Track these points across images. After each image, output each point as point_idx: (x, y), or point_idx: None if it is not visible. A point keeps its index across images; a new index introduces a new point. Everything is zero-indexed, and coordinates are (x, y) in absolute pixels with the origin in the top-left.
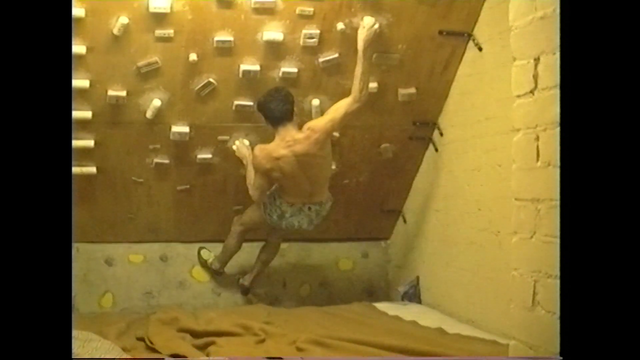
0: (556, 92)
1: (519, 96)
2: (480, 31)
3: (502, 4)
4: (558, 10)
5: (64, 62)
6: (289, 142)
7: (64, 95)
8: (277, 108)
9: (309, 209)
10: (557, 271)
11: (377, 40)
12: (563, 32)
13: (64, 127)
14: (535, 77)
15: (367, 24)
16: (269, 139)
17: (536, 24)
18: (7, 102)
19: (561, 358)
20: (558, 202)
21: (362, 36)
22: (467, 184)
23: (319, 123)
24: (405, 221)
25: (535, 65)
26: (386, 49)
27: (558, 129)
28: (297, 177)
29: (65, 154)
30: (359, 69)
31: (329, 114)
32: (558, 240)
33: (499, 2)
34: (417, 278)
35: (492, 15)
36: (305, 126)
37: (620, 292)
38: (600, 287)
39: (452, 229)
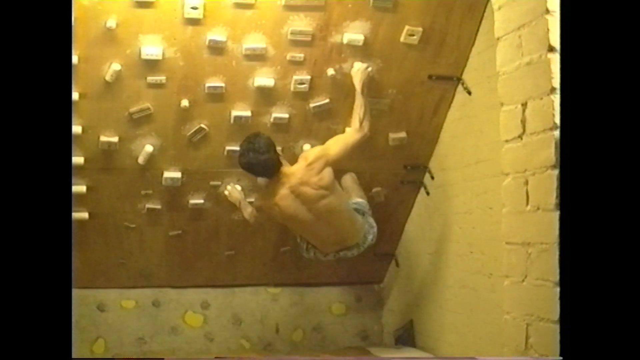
0: (544, 137)
1: (507, 141)
2: (469, 75)
3: (490, 49)
4: (545, 56)
5: (64, 110)
6: (282, 179)
7: (65, 144)
8: (257, 165)
9: (345, 254)
10: (549, 314)
11: (367, 85)
12: (563, 73)
13: (64, 174)
14: (523, 122)
15: (360, 67)
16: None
17: (523, 70)
18: (9, 150)
19: (561, 358)
20: (549, 246)
21: (357, 78)
22: (459, 227)
23: (312, 150)
24: (398, 265)
25: (523, 111)
26: (376, 94)
27: (548, 172)
28: (307, 220)
29: (65, 202)
30: (357, 104)
31: (325, 144)
32: (550, 284)
33: (487, 47)
34: (411, 321)
35: (481, 60)
36: (300, 157)
37: (618, 337)
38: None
39: (445, 272)
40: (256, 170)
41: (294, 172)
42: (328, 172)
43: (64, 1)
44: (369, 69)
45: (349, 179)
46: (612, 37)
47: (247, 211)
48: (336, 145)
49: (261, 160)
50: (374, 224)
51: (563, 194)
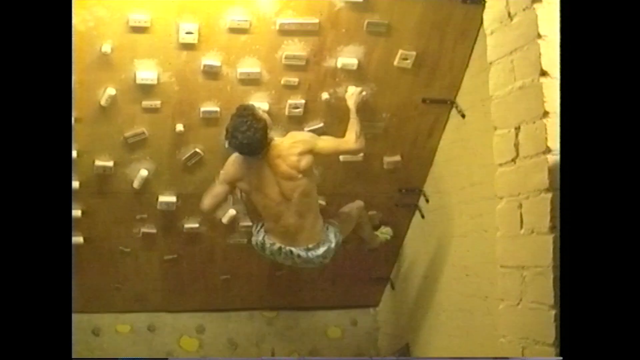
0: (537, 160)
1: (501, 165)
2: (463, 98)
3: (483, 73)
4: (537, 80)
5: (64, 135)
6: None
7: (64, 169)
8: (251, 144)
9: (291, 252)
10: (545, 338)
11: (362, 108)
12: (563, 96)
13: (64, 198)
14: (517, 145)
15: (355, 91)
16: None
17: (515, 94)
18: (9, 175)
19: (561, 358)
20: (543, 269)
21: (351, 101)
22: (454, 250)
23: (304, 132)
24: (393, 288)
25: (516, 134)
26: (371, 117)
27: (542, 196)
28: (272, 194)
29: (65, 226)
30: (352, 122)
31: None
32: (546, 307)
33: (480, 70)
34: (407, 345)
35: (474, 83)
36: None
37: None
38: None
39: (441, 295)
40: (250, 149)
41: (278, 144)
42: (307, 159)
43: (64, 26)
44: (363, 92)
45: (349, 205)
46: (612, 59)
47: (211, 192)
48: (328, 141)
49: (256, 139)
50: (333, 241)
51: (563, 216)
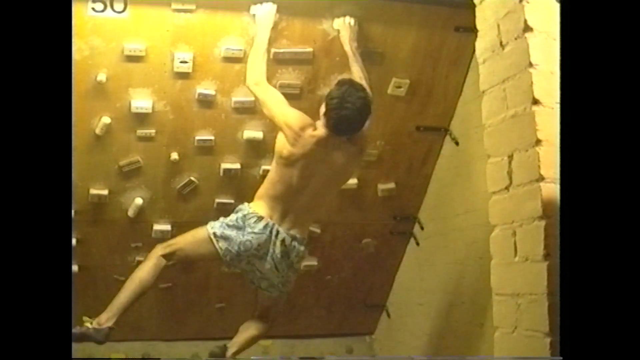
0: (530, 188)
1: (494, 192)
2: (457, 126)
3: (477, 100)
4: (529, 109)
5: (64, 164)
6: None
7: (64, 198)
8: (356, 118)
9: (277, 233)
10: None
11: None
12: (563, 122)
13: (64, 227)
14: (510, 173)
15: (345, 25)
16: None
17: (508, 122)
18: (9, 205)
19: (561, 358)
20: (538, 297)
21: (345, 38)
22: (450, 277)
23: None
24: (389, 315)
25: (509, 162)
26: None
27: (535, 223)
28: (313, 181)
29: (64, 255)
30: (353, 68)
31: None
32: (541, 335)
33: (474, 98)
34: None
35: (468, 111)
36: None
37: None
38: None
39: (437, 323)
40: (353, 125)
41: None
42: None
43: (64, 58)
44: (352, 22)
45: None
46: (613, 85)
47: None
48: None
49: (365, 112)
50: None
51: (563, 244)
